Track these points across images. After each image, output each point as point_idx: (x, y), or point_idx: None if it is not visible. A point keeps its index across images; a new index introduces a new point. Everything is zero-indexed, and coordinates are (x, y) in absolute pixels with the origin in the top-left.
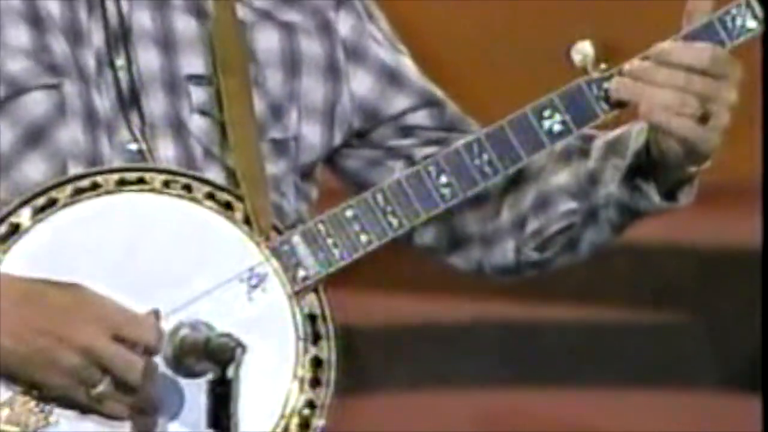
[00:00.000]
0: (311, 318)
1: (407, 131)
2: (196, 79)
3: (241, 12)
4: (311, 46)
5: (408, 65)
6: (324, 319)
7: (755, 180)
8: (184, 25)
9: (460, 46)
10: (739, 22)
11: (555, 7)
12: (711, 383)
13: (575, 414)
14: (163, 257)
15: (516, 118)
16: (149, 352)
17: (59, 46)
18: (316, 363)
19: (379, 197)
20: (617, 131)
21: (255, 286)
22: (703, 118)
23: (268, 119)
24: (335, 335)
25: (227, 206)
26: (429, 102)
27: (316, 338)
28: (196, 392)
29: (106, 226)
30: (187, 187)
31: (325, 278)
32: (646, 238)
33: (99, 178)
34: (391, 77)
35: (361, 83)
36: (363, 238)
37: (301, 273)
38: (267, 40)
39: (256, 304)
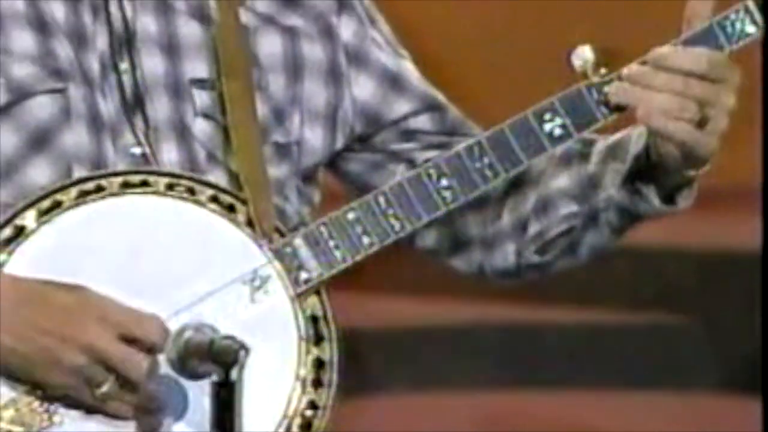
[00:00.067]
0: (313, 319)
1: (409, 135)
2: (200, 83)
3: (245, 17)
4: (313, 51)
5: (409, 70)
6: (326, 320)
7: (755, 183)
8: (188, 29)
9: (461, 49)
10: (738, 26)
11: (555, 11)
12: (711, 385)
13: (575, 415)
14: (166, 259)
15: (517, 122)
16: (153, 350)
17: (64, 50)
18: (318, 364)
19: (381, 200)
20: (618, 135)
21: (258, 288)
22: (702, 123)
23: (271, 123)
24: (337, 337)
25: (230, 209)
26: (430, 106)
27: (318, 339)
28: (199, 394)
29: (110, 228)
30: (191, 190)
31: (327, 280)
32: (646, 241)
33: (103, 181)
34: (393, 82)
35: (363, 88)
36: (365, 240)
37: (304, 275)
38: (270, 45)
39: (258, 305)
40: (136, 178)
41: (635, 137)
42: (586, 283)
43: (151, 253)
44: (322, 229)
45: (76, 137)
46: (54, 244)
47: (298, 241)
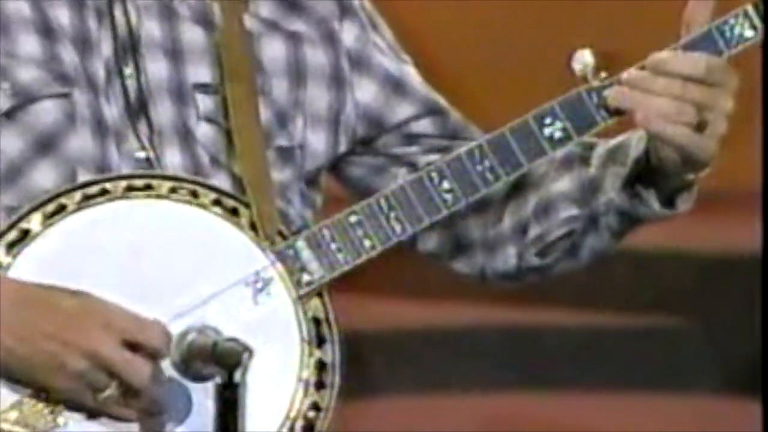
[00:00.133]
0: (316, 321)
1: (411, 139)
2: (204, 87)
3: (248, 22)
4: (316, 56)
5: (411, 74)
6: (328, 322)
7: (755, 186)
8: (192, 35)
9: (462, 53)
10: (737, 31)
11: (556, 15)
12: (711, 387)
13: (576, 417)
14: (169, 262)
15: (517, 125)
16: (156, 356)
17: (69, 55)
18: (321, 366)
19: (383, 203)
20: (618, 139)
21: (260, 290)
22: (700, 127)
23: (274, 127)
24: (339, 338)
25: (233, 212)
26: (432, 110)
27: (320, 341)
28: (203, 396)
29: (115, 231)
30: (194, 194)
31: (329, 282)
32: (646, 244)
33: (107, 185)
34: (395, 86)
35: (365, 92)
36: (367, 243)
37: (306, 277)
38: (273, 50)
39: (261, 307)
40: (139, 182)
41: (635, 141)
42: (586, 286)
43: (155, 255)
44: (325, 231)
45: (80, 141)
46: (58, 248)
47: (301, 244)
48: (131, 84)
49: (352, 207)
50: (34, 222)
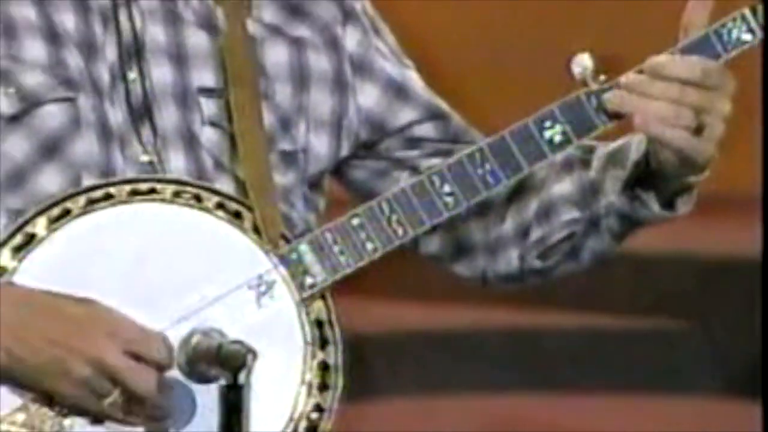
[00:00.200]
0: (318, 324)
1: (413, 143)
2: (208, 92)
3: (252, 27)
4: (319, 61)
5: (414, 79)
6: (331, 324)
7: (755, 190)
8: (196, 39)
9: (462, 57)
10: (734, 34)
11: (555, 19)
12: (711, 389)
13: (577, 419)
14: (174, 265)
15: (517, 129)
16: (160, 368)
17: (74, 60)
18: (324, 367)
19: (385, 206)
20: (618, 142)
21: (264, 293)
22: (698, 130)
23: (278, 131)
24: (342, 340)
25: (237, 215)
26: (434, 114)
27: (323, 343)
28: (208, 397)
29: (119, 235)
30: (197, 198)
31: (331, 285)
32: (646, 247)
33: (112, 189)
34: (398, 90)
35: (368, 96)
36: (369, 245)
37: (309, 280)
38: (276, 55)
39: (264, 310)
40: (143, 186)
41: (635, 144)
42: (587, 289)
43: (159, 259)
44: (327, 235)
45: (85, 146)
46: (64, 252)
47: (303, 247)
48: (135, 88)
49: (355, 210)
50: (40, 226)
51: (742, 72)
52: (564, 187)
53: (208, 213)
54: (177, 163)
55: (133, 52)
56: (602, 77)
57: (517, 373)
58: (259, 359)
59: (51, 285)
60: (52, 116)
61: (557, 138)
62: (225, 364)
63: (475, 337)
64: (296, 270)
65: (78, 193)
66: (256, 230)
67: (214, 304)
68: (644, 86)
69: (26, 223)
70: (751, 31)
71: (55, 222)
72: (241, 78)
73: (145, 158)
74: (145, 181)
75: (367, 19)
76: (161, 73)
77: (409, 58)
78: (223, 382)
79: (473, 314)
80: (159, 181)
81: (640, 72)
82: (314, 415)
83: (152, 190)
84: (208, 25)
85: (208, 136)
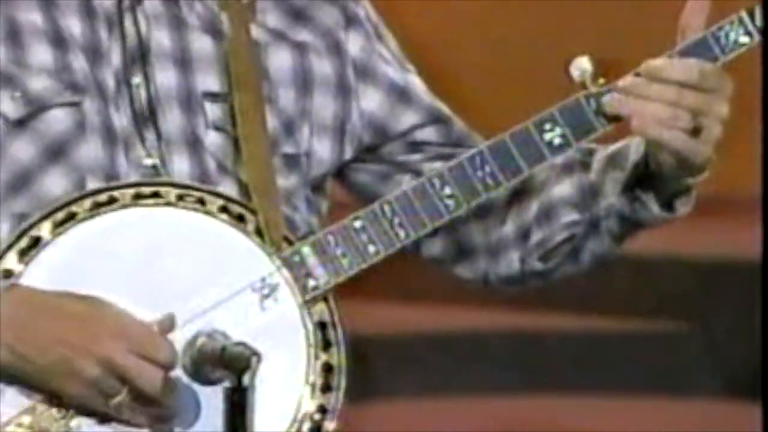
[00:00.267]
0: (321, 325)
1: (415, 147)
2: (212, 96)
3: (256, 32)
4: (322, 66)
5: (416, 83)
6: (334, 326)
7: (755, 191)
8: (201, 44)
9: (462, 60)
10: (732, 37)
11: (555, 23)
12: (711, 391)
13: (578, 420)
14: (178, 268)
15: (517, 131)
16: (165, 369)
17: (80, 65)
18: (327, 369)
19: (387, 209)
20: (617, 144)
21: (267, 296)
22: (696, 132)
23: (281, 135)
24: (345, 341)
25: (240, 219)
26: (436, 119)
27: (326, 345)
28: (213, 399)
29: (123, 238)
30: (201, 201)
31: (334, 287)
32: (646, 249)
33: (116, 193)
34: (400, 95)
35: (370, 101)
36: (371, 248)
37: (311, 283)
38: (280, 60)
39: (268, 312)
40: (147, 190)
41: (634, 146)
42: (587, 291)
43: (163, 262)
44: (330, 237)
45: (90, 150)
46: (69, 255)
47: (306, 250)
48: (140, 93)
49: (357, 213)
50: (45, 230)
51: (742, 73)
52: (564, 189)
53: (211, 216)
54: (181, 167)
55: (138, 56)
56: (601, 80)
57: (518, 374)
58: (263, 361)
59: (57, 288)
60: (57, 120)
61: (557, 141)
62: (229, 366)
63: (476, 338)
64: (299, 273)
65: (83, 197)
66: (260, 233)
67: (219, 306)
68: (641, 89)
69: (32, 226)
70: (748, 33)
71: (60, 225)
72: (245, 82)
73: (148, 162)
74: (149, 185)
75: (370, 24)
76: (166, 77)
77: (409, 61)
78: (227, 384)
79: (474, 316)
80: (163, 184)
81: (638, 75)
82: (318, 416)
83: (156, 194)
84: (213, 30)
85: (212, 139)
